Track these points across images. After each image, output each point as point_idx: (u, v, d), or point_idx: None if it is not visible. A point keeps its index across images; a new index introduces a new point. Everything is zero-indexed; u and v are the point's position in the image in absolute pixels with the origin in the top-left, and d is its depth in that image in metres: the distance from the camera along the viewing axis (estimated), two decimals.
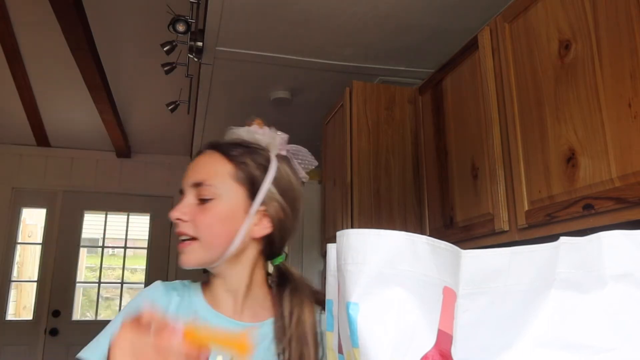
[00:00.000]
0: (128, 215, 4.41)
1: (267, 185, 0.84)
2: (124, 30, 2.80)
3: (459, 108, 1.79)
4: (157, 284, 0.89)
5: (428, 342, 0.45)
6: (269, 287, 0.89)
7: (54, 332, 3.98)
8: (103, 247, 4.37)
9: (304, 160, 0.93)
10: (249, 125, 0.90)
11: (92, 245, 4.45)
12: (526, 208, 1.38)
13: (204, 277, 0.92)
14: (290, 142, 0.93)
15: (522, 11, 1.44)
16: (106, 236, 4.36)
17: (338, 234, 0.53)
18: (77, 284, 4.21)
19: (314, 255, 2.80)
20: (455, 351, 0.46)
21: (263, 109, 3.18)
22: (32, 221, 4.45)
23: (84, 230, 4.27)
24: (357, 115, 2.14)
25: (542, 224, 1.33)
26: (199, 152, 0.88)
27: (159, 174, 4.45)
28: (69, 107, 3.73)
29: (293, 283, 0.87)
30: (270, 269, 0.91)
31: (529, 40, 1.42)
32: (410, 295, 0.46)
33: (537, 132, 1.37)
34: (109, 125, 3.70)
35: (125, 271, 4.36)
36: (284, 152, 0.89)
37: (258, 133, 0.88)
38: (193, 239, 0.81)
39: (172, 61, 2.64)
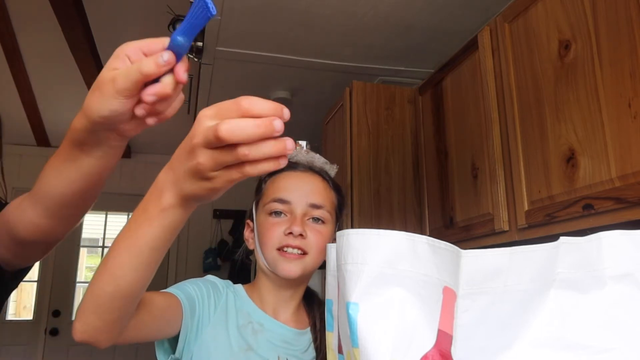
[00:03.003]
0: (128, 216, 4.41)
1: (342, 213, 0.95)
2: (124, 30, 2.80)
3: (459, 108, 1.79)
4: (219, 282, 0.93)
5: (428, 341, 0.45)
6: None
7: (54, 332, 3.98)
8: (103, 247, 4.37)
9: None
10: (298, 147, 0.96)
11: (92, 245, 4.45)
12: (526, 208, 1.38)
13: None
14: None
15: (522, 11, 1.44)
16: (106, 236, 4.36)
17: (338, 234, 0.53)
18: (77, 284, 4.21)
19: None
20: (455, 351, 0.46)
21: None
22: None
23: (84, 230, 4.27)
24: (357, 115, 2.14)
25: (542, 224, 1.33)
26: (294, 168, 0.92)
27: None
28: (69, 107, 3.73)
29: (316, 296, 0.96)
30: None
31: (529, 40, 1.42)
32: (410, 295, 0.46)
33: (537, 132, 1.37)
34: None
35: None
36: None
37: (328, 164, 0.97)
38: (303, 253, 0.86)
39: None
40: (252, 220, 0.94)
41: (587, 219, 1.18)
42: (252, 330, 0.85)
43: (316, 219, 0.88)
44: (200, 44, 2.30)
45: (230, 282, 0.93)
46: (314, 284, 0.98)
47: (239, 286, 0.94)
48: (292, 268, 0.84)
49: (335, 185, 0.95)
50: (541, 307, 0.48)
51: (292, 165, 0.92)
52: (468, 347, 0.48)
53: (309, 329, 0.90)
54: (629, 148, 1.08)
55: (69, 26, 2.43)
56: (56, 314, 4.02)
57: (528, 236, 1.40)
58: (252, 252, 0.96)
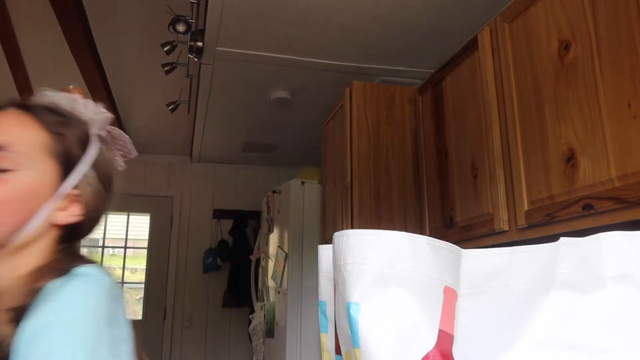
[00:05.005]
0: (128, 215, 4.41)
1: (85, 166, 0.70)
2: (124, 30, 2.80)
3: (459, 108, 1.79)
4: None
5: (429, 341, 0.45)
6: None
7: None
8: (103, 247, 4.37)
9: (124, 148, 0.81)
10: (67, 91, 0.76)
11: (92, 245, 4.45)
12: (526, 208, 1.38)
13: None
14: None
15: (522, 11, 1.44)
16: (106, 236, 4.36)
17: (336, 234, 0.53)
18: None
19: (314, 255, 2.79)
20: (456, 350, 0.46)
21: (263, 109, 3.18)
22: None
23: None
24: (357, 115, 2.14)
25: (542, 224, 1.33)
26: None
27: (159, 174, 4.45)
28: None
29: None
30: None
31: (529, 40, 1.42)
32: (411, 295, 0.46)
33: (537, 132, 1.37)
34: None
35: (125, 271, 4.36)
36: (104, 134, 0.77)
37: (79, 104, 0.75)
38: None
39: (172, 61, 2.64)
40: None
41: (587, 219, 1.18)
42: None
43: (1, 169, 0.63)
44: (200, 44, 2.30)
45: None
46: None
47: None
48: None
49: (53, 120, 0.69)
50: (542, 307, 0.48)
51: None
52: (469, 346, 0.48)
53: None
54: (629, 148, 1.08)
55: (69, 26, 2.43)
56: None
57: (528, 236, 1.40)
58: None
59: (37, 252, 0.67)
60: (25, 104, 0.70)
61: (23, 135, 0.66)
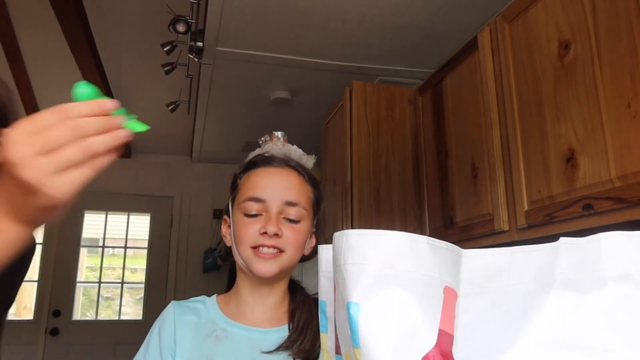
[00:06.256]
0: (128, 215, 4.41)
1: (322, 209, 0.93)
2: (124, 30, 2.80)
3: (459, 108, 1.79)
4: (172, 306, 0.90)
5: (429, 342, 0.45)
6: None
7: (54, 332, 3.97)
8: (103, 247, 4.37)
9: None
10: (275, 138, 0.95)
11: (93, 245, 4.45)
12: (526, 208, 1.38)
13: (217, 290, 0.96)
14: (290, 142, 0.96)
15: (522, 11, 1.44)
16: (106, 236, 4.36)
17: (336, 234, 0.53)
18: (78, 284, 4.21)
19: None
20: (456, 350, 0.46)
21: (263, 109, 3.18)
22: None
23: (84, 230, 4.27)
24: (357, 115, 2.14)
25: (542, 224, 1.33)
26: (269, 164, 0.90)
27: (159, 174, 4.45)
28: None
29: (299, 290, 0.94)
30: None
31: (528, 41, 1.42)
32: (411, 295, 0.46)
33: (537, 132, 1.37)
34: None
35: (125, 271, 4.36)
36: None
37: (305, 155, 0.95)
38: (279, 251, 0.85)
39: (172, 61, 2.64)
40: (229, 216, 0.92)
41: (587, 219, 1.18)
42: (215, 338, 0.84)
43: (293, 219, 0.87)
44: (200, 44, 2.30)
45: (200, 299, 0.92)
46: (311, 285, 0.96)
47: (213, 297, 0.93)
48: (267, 267, 0.84)
49: (311, 179, 0.93)
50: (541, 307, 0.49)
51: (267, 161, 0.91)
52: (469, 347, 0.48)
53: (286, 325, 0.88)
54: (629, 148, 1.08)
55: (69, 25, 2.43)
56: (56, 313, 4.02)
57: (528, 236, 1.40)
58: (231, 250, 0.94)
59: (290, 274, 0.93)
60: (298, 166, 0.91)
61: (305, 194, 0.90)
